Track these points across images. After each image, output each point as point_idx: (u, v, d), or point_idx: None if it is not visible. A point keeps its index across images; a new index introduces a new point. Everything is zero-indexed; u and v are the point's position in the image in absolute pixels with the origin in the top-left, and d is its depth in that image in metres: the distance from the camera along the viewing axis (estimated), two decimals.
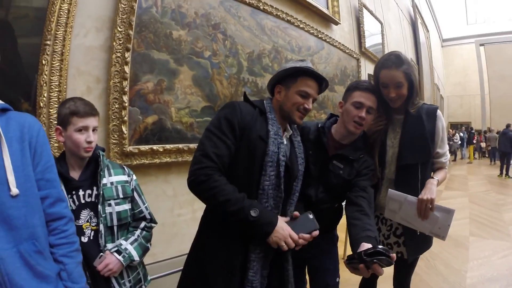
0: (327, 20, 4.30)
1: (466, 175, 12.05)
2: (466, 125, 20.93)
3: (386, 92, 1.64)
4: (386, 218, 1.75)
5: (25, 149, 1.00)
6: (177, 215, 2.23)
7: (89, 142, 1.31)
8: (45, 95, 1.64)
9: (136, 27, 2.00)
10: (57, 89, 1.67)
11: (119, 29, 1.93)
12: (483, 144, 17.93)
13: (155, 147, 2.06)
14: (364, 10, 5.38)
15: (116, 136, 1.88)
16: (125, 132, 1.90)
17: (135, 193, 1.47)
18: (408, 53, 9.17)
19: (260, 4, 2.96)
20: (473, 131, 17.74)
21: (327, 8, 4.26)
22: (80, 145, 1.29)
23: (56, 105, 1.65)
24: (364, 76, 5.27)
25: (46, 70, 1.63)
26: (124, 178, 1.44)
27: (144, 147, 2.00)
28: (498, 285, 1.98)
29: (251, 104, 1.37)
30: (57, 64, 1.67)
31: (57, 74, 1.68)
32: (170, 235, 2.16)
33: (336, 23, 4.42)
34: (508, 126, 12.81)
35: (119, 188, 1.40)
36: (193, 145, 2.27)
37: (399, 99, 1.65)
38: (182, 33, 2.27)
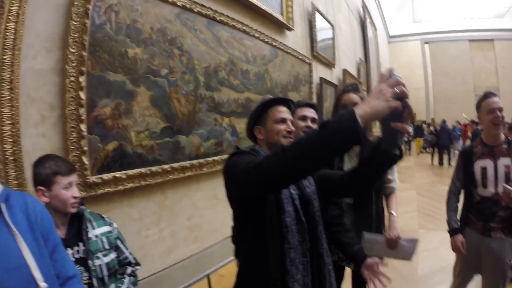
0: (281, 27, 4.37)
1: (413, 166, 12.92)
2: None
3: None
4: None
5: (38, 239, 1.00)
6: (144, 237, 2.23)
7: (76, 198, 1.38)
8: None
9: (89, 47, 1.87)
10: (9, 122, 1.52)
11: (71, 50, 1.79)
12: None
13: (117, 174, 2.00)
14: (317, 13, 5.52)
15: (77, 167, 1.77)
16: (86, 162, 1.82)
17: (118, 241, 1.55)
18: (357, 52, 9.52)
19: (217, 15, 2.94)
20: (421, 124, 18.87)
21: (282, 14, 4.33)
22: (67, 202, 1.36)
23: (11, 140, 1.52)
24: (315, 80, 5.43)
25: None
26: (107, 228, 1.52)
27: (107, 176, 1.93)
28: (447, 274, 2.29)
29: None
30: (7, 93, 1.51)
31: (8, 104, 1.51)
32: (140, 257, 2.10)
33: (290, 29, 4.50)
34: (444, 121, 14.41)
35: (104, 239, 1.48)
36: (155, 168, 2.25)
37: None
38: (138, 51, 2.19)
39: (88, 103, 1.87)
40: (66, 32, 1.80)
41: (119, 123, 2.05)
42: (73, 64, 1.80)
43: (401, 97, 0.93)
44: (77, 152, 1.80)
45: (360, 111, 0.92)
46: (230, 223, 3.13)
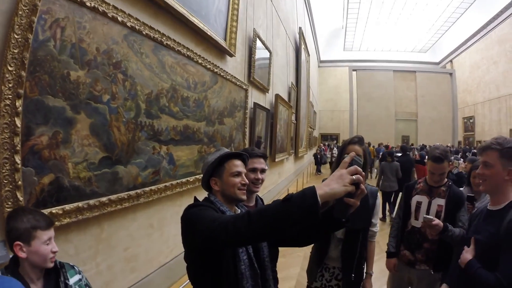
0: (223, 52, 4.47)
1: None
2: (335, 136, 23.75)
3: None
4: (329, 266, 2.32)
5: None
6: None
7: (54, 252, 1.36)
8: None
9: (29, 66, 1.68)
10: None
11: (9, 68, 1.59)
12: None
13: (54, 210, 1.85)
14: (257, 40, 5.69)
15: (10, 203, 1.61)
16: (21, 198, 1.65)
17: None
18: (290, 76, 9.93)
19: (164, 38, 2.90)
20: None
21: (225, 40, 4.41)
22: (47, 257, 1.33)
23: None
24: (250, 105, 5.60)
25: None
26: (78, 277, 1.52)
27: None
28: (375, 286, 2.48)
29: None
30: None
31: None
32: None
33: (232, 55, 4.61)
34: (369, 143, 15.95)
35: None
36: (93, 201, 2.14)
37: None
38: (81, 74, 2.04)
39: (24, 131, 1.69)
40: (5, 46, 1.60)
41: (56, 153, 1.90)
42: (10, 85, 1.60)
43: (357, 182, 1.07)
44: (11, 186, 1.63)
45: (320, 191, 1.03)
46: (165, 250, 3.13)
